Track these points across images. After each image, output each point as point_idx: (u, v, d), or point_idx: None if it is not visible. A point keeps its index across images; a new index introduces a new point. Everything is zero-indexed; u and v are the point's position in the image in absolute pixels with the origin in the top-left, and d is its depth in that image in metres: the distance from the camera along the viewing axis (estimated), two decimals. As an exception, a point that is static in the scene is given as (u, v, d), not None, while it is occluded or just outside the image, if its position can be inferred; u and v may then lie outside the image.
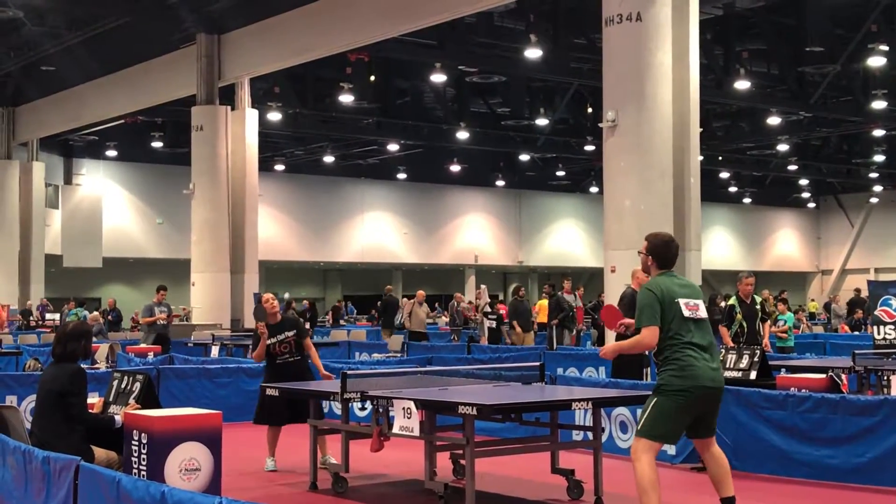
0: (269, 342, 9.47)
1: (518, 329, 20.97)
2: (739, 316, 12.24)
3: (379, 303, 26.62)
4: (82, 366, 7.02)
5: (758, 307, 12.44)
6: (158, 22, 23.77)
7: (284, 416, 9.29)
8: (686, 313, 6.25)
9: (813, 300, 44.59)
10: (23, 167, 31.99)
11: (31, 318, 28.30)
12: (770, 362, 10.26)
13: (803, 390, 9.02)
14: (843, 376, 9.83)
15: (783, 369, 10.56)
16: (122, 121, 30.00)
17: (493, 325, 21.97)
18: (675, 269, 6.64)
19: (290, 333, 9.57)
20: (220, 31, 23.75)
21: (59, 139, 34.47)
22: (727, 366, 10.31)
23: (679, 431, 6.40)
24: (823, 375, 9.62)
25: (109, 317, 26.22)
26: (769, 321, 14.47)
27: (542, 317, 22.62)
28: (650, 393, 6.39)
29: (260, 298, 9.95)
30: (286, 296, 26.84)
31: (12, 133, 31.77)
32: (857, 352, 10.73)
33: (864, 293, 25.13)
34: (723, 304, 12.78)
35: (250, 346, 9.86)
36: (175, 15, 23.04)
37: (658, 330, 6.18)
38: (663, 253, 6.53)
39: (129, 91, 26.73)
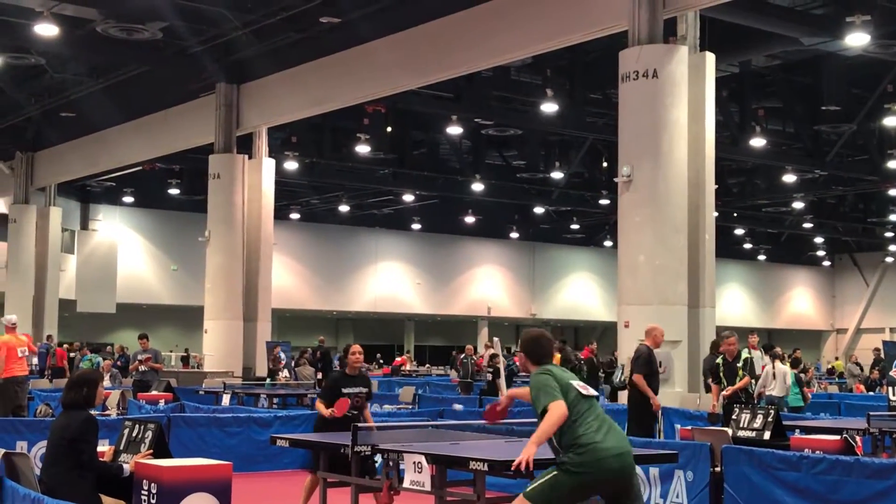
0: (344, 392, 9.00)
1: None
2: (722, 374, 12.44)
3: (317, 352, 26.47)
4: (93, 413, 7.02)
5: (739, 365, 12.50)
6: (179, 70, 24.01)
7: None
8: (582, 391, 6.07)
9: (837, 358, 44.18)
10: (40, 212, 32.13)
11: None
12: (784, 423, 10.19)
13: (817, 452, 8.94)
14: (858, 438, 9.73)
15: (797, 430, 10.49)
16: (140, 167, 30.21)
17: (490, 377, 21.84)
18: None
19: (364, 389, 9.14)
20: (239, 80, 23.95)
21: (77, 184, 34.69)
22: (741, 425, 10.24)
23: None
24: (838, 437, 9.54)
25: (119, 362, 26.16)
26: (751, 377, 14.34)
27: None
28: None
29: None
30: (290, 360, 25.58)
31: (31, 178, 31.98)
32: (871, 413, 10.64)
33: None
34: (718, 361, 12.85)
35: (318, 396, 9.50)
36: (195, 64, 23.25)
37: (563, 402, 5.88)
38: (533, 349, 6.28)
39: (148, 138, 26.91)
